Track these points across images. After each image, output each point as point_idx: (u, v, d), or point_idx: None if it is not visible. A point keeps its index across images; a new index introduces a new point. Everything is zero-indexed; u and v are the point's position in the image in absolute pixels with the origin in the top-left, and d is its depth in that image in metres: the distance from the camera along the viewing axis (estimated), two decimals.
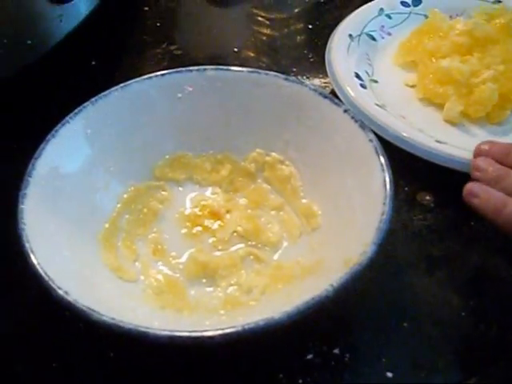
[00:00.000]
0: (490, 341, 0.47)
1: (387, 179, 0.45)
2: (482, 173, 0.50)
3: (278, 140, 0.54)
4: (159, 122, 0.54)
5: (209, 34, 0.75)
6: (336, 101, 0.51)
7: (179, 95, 0.54)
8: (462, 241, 0.53)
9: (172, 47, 0.72)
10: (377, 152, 0.47)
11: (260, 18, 0.78)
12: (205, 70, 0.55)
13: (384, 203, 0.43)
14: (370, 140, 0.47)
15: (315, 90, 0.52)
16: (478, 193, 0.49)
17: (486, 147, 0.52)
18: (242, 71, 0.54)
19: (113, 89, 0.53)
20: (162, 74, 0.54)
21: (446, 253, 0.52)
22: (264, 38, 0.74)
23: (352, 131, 0.49)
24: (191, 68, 0.55)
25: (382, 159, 0.46)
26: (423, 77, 0.62)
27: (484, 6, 0.71)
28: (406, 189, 0.56)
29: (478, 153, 0.52)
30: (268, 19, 0.77)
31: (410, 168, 0.57)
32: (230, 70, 0.55)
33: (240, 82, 0.54)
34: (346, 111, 0.50)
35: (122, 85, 0.53)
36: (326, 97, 0.51)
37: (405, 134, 0.55)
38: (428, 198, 0.56)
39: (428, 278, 0.51)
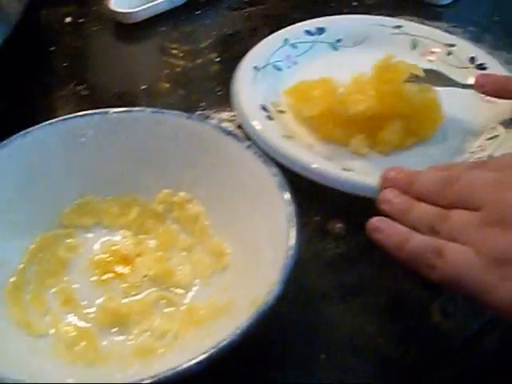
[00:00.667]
0: (410, 363, 0.47)
1: (292, 214, 0.45)
2: (387, 205, 0.50)
3: (185, 179, 0.53)
4: (63, 168, 0.53)
5: (117, 72, 0.75)
6: (239, 137, 0.51)
7: (83, 139, 0.54)
8: (375, 266, 0.53)
9: (79, 87, 0.71)
10: (281, 187, 0.47)
11: (170, 52, 0.78)
12: (107, 112, 0.54)
13: (289, 239, 0.43)
14: (274, 175, 0.48)
15: (217, 128, 0.52)
16: (381, 228, 0.48)
17: (391, 174, 0.52)
18: (145, 111, 0.54)
19: (13, 137, 0.52)
20: (64, 119, 0.53)
21: (359, 280, 0.53)
22: (172, 72, 0.73)
23: (256, 167, 0.49)
24: (93, 111, 0.54)
25: (287, 194, 0.46)
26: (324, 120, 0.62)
27: (385, 31, 0.73)
28: (317, 218, 0.56)
29: (383, 180, 0.52)
30: (176, 53, 0.76)
31: (320, 197, 0.57)
32: (132, 111, 0.54)
33: (143, 122, 0.54)
34: (248, 147, 0.50)
35: (22, 132, 0.52)
36: (228, 133, 0.51)
37: (311, 165, 0.56)
38: (339, 225, 0.56)
39: (343, 306, 0.51)
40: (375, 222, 0.48)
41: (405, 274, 0.53)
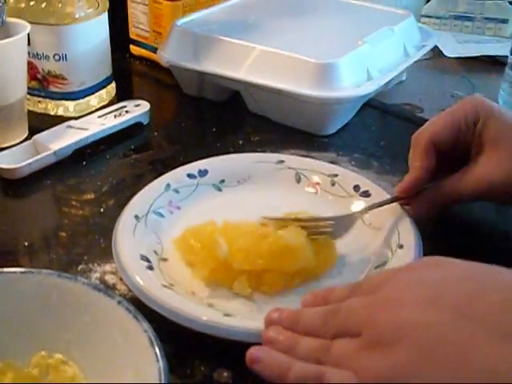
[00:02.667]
0: None
1: (162, 369, 0.44)
2: (273, 344, 0.50)
3: (60, 340, 0.52)
4: None
5: (1, 230, 0.73)
6: (110, 293, 0.50)
7: None
8: None
9: None
10: (151, 342, 0.46)
11: (55, 206, 0.77)
12: None
13: None
14: (145, 330, 0.47)
15: (88, 285, 0.51)
16: (260, 357, 0.48)
17: (275, 315, 0.52)
18: (16, 272, 0.53)
19: None
20: None
21: None
22: (57, 226, 0.72)
23: (127, 323, 0.48)
24: None
25: (157, 349, 0.45)
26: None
27: (268, 167, 0.75)
28: (203, 368, 0.55)
29: (268, 322, 0.52)
30: (61, 207, 0.76)
31: (205, 345, 0.56)
32: (2, 272, 0.53)
33: (14, 283, 0.52)
34: (119, 303, 0.49)
35: None
36: (99, 290, 0.50)
37: (191, 315, 0.55)
38: (225, 374, 0.55)
39: None
40: (254, 351, 0.49)
41: None
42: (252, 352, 0.49)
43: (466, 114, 0.66)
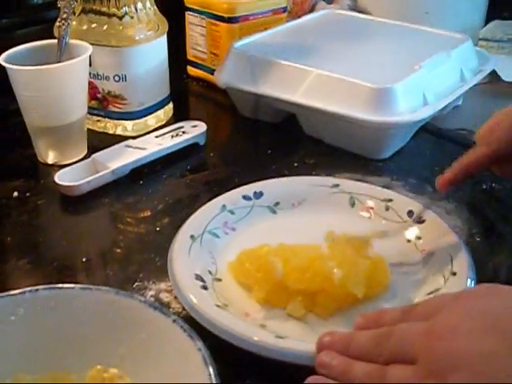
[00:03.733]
0: None
1: None
2: (326, 369, 0.50)
3: (115, 355, 0.53)
4: None
5: (60, 245, 0.75)
6: (165, 311, 0.51)
7: (12, 318, 0.53)
8: None
9: (21, 262, 0.71)
10: (205, 361, 0.46)
11: (112, 224, 0.79)
12: (37, 290, 0.54)
13: None
14: (199, 349, 0.47)
15: (145, 302, 0.52)
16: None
17: (327, 339, 0.53)
18: (74, 288, 0.54)
19: None
20: None
21: None
22: (113, 244, 0.74)
23: (181, 341, 0.49)
24: (24, 290, 0.54)
25: (211, 369, 0.46)
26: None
27: (322, 191, 0.75)
28: None
29: (320, 346, 0.53)
30: (118, 225, 0.78)
31: (257, 366, 0.56)
32: (62, 288, 0.54)
33: (72, 299, 0.54)
34: (174, 321, 0.50)
35: None
36: (156, 308, 0.51)
37: (244, 335, 0.55)
38: None
39: None
40: (311, 381, 0.49)
41: None
42: (309, 382, 0.49)
43: None
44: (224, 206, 0.73)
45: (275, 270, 0.61)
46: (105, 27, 0.91)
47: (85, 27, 0.92)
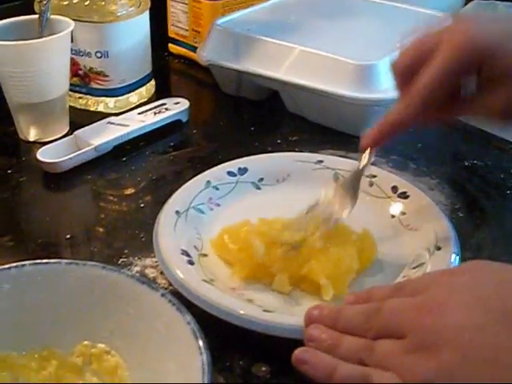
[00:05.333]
0: None
1: (205, 362, 0.44)
2: (315, 342, 0.50)
3: (103, 330, 0.53)
4: None
5: (43, 222, 0.75)
6: (153, 285, 0.51)
7: None
8: None
9: (3, 239, 0.70)
10: (195, 335, 0.46)
11: (95, 200, 0.78)
12: (23, 265, 0.54)
13: None
14: (188, 323, 0.47)
15: (132, 277, 0.52)
16: (307, 359, 0.49)
17: (316, 313, 0.53)
18: (60, 263, 0.54)
19: None
20: None
21: None
22: (96, 220, 0.74)
23: (170, 315, 0.49)
24: (9, 266, 0.54)
25: (200, 342, 0.46)
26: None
27: (306, 167, 0.75)
28: (241, 362, 0.56)
29: (308, 320, 0.53)
30: (101, 202, 0.77)
31: (243, 340, 0.57)
32: (48, 263, 0.54)
33: (59, 274, 0.53)
34: (163, 295, 0.50)
35: None
36: (143, 282, 0.51)
37: (231, 309, 0.56)
38: (264, 369, 0.55)
39: None
40: (300, 353, 0.49)
41: None
42: (297, 354, 0.49)
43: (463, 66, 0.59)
44: (209, 182, 0.72)
45: (257, 251, 0.61)
46: (87, 2, 0.90)
47: (66, 2, 0.91)
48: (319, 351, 0.49)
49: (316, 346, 0.50)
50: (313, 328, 0.51)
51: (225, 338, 0.57)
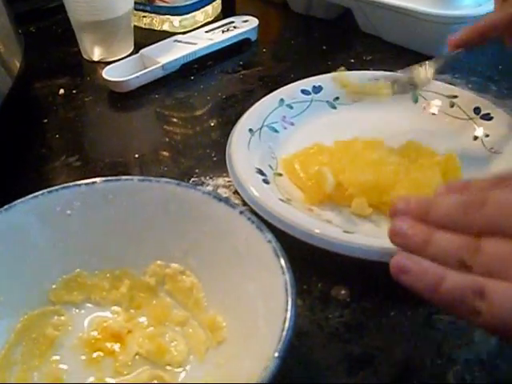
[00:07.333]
0: None
1: (289, 282, 0.42)
2: (402, 239, 0.42)
3: (177, 250, 0.50)
4: (49, 243, 0.50)
5: (110, 142, 0.73)
6: (231, 203, 0.48)
7: (68, 212, 0.51)
8: (383, 334, 0.50)
9: (71, 159, 0.69)
10: (276, 254, 0.44)
11: (164, 119, 0.76)
12: (94, 182, 0.51)
13: (286, 309, 0.40)
14: (269, 241, 0.45)
15: (209, 194, 0.49)
16: (409, 267, 0.40)
17: (402, 205, 0.44)
18: (133, 180, 0.51)
19: None
20: (49, 191, 0.51)
21: (366, 350, 0.49)
22: (166, 140, 0.71)
23: (249, 233, 0.46)
24: (80, 182, 0.52)
25: (282, 261, 0.43)
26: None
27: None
28: (320, 285, 0.53)
29: (393, 213, 0.44)
30: (170, 121, 0.75)
31: (322, 262, 0.54)
32: (120, 180, 0.52)
33: (131, 191, 0.51)
34: (241, 213, 0.47)
35: (6, 207, 0.49)
36: (220, 200, 0.48)
37: (310, 229, 0.53)
38: (343, 292, 0.53)
39: (350, 379, 0.47)
40: (400, 260, 0.41)
41: (414, 340, 0.49)
42: (398, 260, 0.41)
43: None
44: (282, 100, 0.69)
45: (326, 182, 0.58)
46: None
47: None
48: (423, 259, 0.41)
49: (402, 242, 0.42)
50: (399, 221, 0.43)
51: (302, 261, 0.54)
